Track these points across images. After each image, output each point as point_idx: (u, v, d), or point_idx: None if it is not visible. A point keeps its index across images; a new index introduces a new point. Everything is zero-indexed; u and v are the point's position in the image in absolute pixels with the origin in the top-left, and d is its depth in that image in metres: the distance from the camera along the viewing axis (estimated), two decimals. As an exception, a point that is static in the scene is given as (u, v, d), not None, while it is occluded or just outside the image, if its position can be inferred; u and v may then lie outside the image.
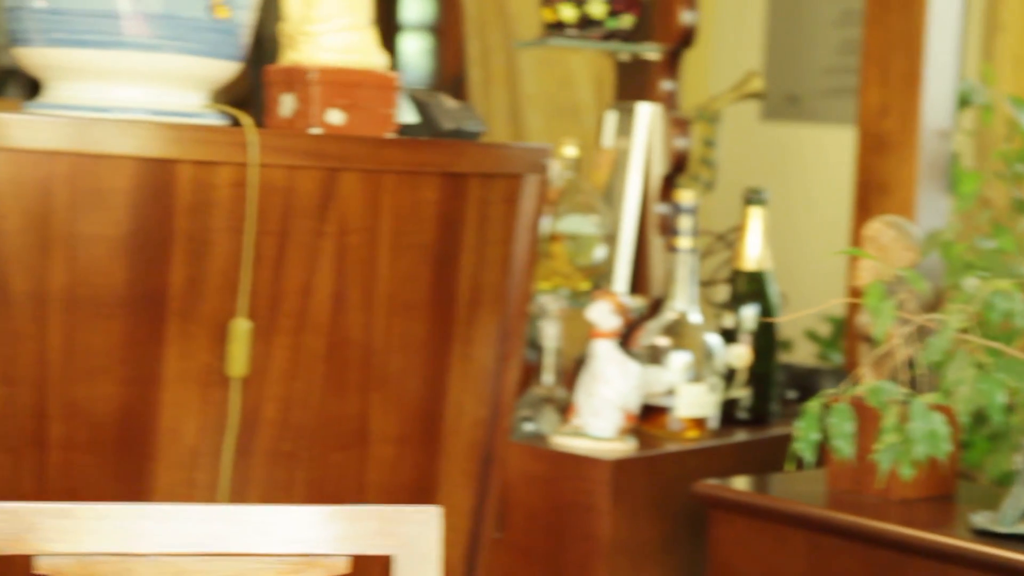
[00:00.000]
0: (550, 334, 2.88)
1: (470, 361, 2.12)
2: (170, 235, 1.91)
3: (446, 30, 5.19)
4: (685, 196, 2.86)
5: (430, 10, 5.53)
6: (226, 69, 2.02)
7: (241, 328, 1.93)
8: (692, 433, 2.82)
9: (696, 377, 2.80)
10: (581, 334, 2.94)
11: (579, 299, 2.97)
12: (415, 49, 5.59)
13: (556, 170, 2.94)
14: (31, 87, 3.54)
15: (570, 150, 2.98)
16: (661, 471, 2.74)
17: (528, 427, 2.84)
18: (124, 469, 1.95)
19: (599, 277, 3.02)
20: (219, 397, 1.96)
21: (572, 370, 2.94)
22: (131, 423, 1.94)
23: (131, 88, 1.98)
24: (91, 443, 1.93)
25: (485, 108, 4.14)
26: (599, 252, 2.99)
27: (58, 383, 1.90)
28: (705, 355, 2.82)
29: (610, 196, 3.06)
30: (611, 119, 3.09)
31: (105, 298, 1.90)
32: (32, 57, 2.01)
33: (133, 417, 1.94)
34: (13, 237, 1.88)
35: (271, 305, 1.97)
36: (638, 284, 3.05)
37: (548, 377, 2.88)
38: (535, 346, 2.92)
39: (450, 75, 5.00)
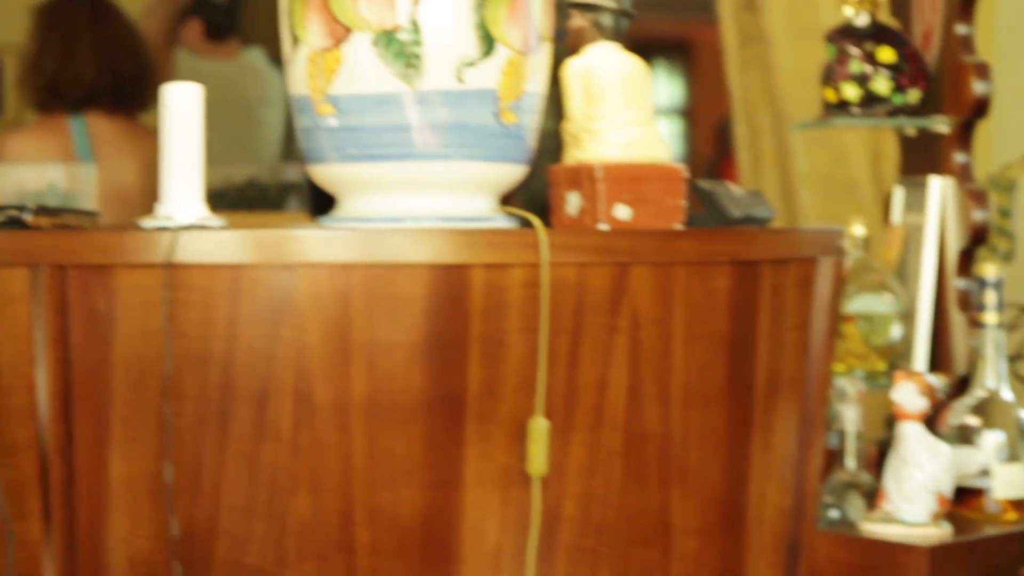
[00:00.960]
0: (850, 417, 2.82)
1: (771, 450, 2.09)
2: (466, 338, 1.94)
3: (696, 114, 5.20)
4: (989, 270, 2.77)
5: (679, 95, 5.55)
6: (514, 173, 2.05)
7: (539, 427, 1.94)
8: (1011, 515, 2.71)
9: (1011, 456, 2.70)
10: (879, 416, 2.87)
11: (876, 380, 2.90)
12: (666, 133, 5.62)
13: (846, 250, 2.89)
14: (313, 201, 3.66)
15: (858, 229, 2.93)
16: (981, 556, 2.63)
17: (833, 514, 2.77)
18: (430, 572, 1.97)
19: (895, 357, 2.95)
20: (520, 496, 1.97)
21: (875, 454, 2.87)
22: (435, 526, 1.96)
23: (422, 197, 2.03)
24: (397, 548, 1.95)
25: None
26: (895, 331, 2.92)
27: (362, 489, 1.94)
28: (1019, 433, 2.72)
29: (902, 273, 3.00)
30: (899, 195, 3.03)
31: (405, 404, 1.93)
32: (326, 173, 2.07)
33: (436, 520, 1.96)
34: (315, 349, 1.93)
35: (567, 402, 1.97)
36: (938, 362, 2.97)
37: (851, 462, 2.81)
38: (835, 431, 2.86)
39: (703, 158, 4.99)
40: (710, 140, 5.56)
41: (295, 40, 2.04)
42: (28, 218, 1.99)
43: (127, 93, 3.75)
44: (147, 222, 1.99)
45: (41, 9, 3.82)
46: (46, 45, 3.76)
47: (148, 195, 3.77)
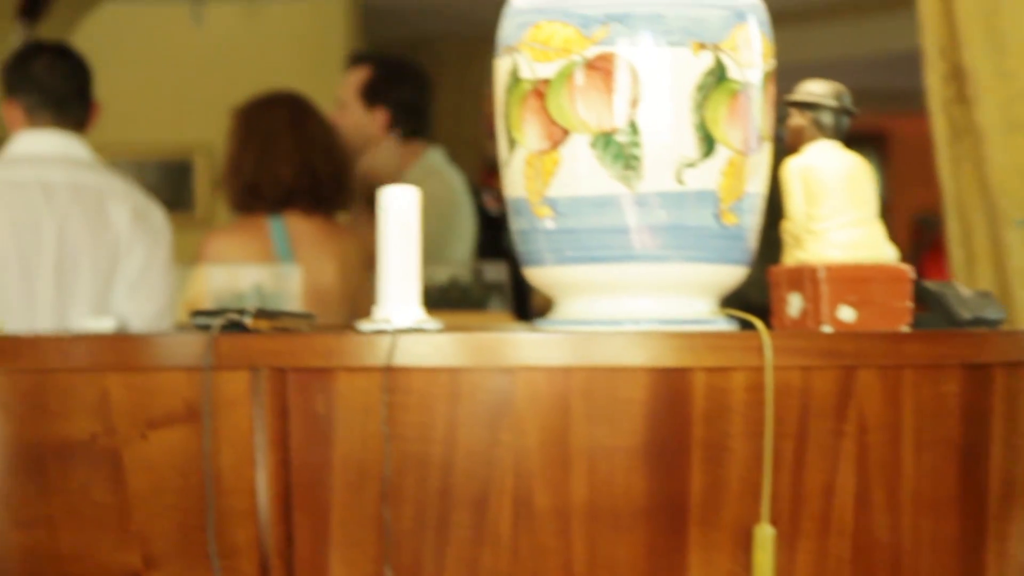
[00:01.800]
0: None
1: (1006, 558, 2.01)
2: (687, 443, 1.90)
3: (893, 208, 5.11)
4: None
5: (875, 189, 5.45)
6: (734, 274, 2.02)
7: (765, 534, 1.89)
8: None
9: None
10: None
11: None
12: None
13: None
14: (516, 301, 3.65)
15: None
16: None
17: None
18: None
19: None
20: (742, 605, 1.92)
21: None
22: (653, 633, 1.92)
23: (641, 299, 2.01)
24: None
25: (970, 287, 4.02)
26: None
27: (582, 595, 1.91)
28: None
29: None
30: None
31: (626, 509, 1.90)
32: (542, 276, 2.06)
33: (655, 627, 1.92)
34: (534, 453, 1.91)
35: (793, 509, 1.92)
36: None
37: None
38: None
39: (902, 254, 4.88)
40: (908, 235, 5.46)
41: (512, 142, 2.04)
42: (248, 321, 2.01)
43: (325, 194, 3.79)
44: (365, 325, 2.00)
45: (241, 111, 3.89)
46: (246, 146, 3.83)
47: (346, 296, 3.80)
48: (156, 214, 3.72)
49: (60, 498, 2.03)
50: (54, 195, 3.59)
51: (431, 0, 8.84)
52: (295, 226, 3.77)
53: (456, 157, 4.66)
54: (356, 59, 4.36)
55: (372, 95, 4.20)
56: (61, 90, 3.70)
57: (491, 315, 3.12)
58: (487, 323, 2.98)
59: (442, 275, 3.51)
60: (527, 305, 3.78)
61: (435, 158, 4.31)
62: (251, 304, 3.28)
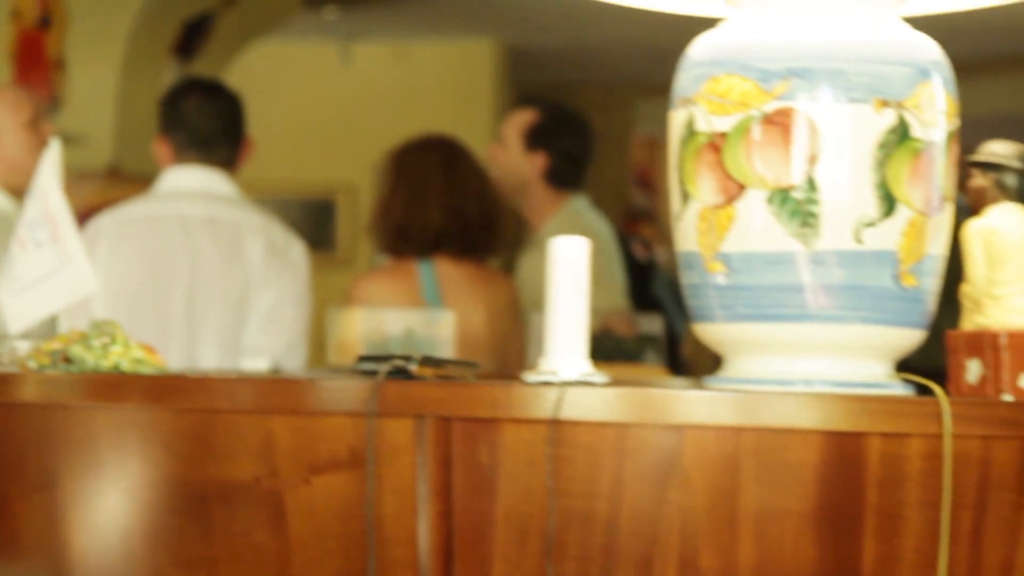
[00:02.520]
0: None
1: None
2: (860, 510, 1.85)
3: None
4: None
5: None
6: (912, 338, 1.97)
7: (941, 608, 1.83)
8: None
9: None
10: None
11: None
12: None
13: None
14: (668, 352, 3.60)
15: None
16: None
17: None
18: None
19: None
20: None
21: None
22: None
23: (814, 360, 1.96)
24: None
25: None
26: None
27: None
28: None
29: None
30: None
31: (795, 575, 1.85)
32: (712, 332, 2.03)
33: None
34: (702, 513, 1.87)
35: (968, 583, 1.86)
36: None
37: None
38: None
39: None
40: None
41: (685, 196, 2.01)
42: (413, 368, 2.00)
43: (475, 239, 3.77)
44: (531, 376, 1.98)
45: (393, 153, 3.89)
46: (396, 190, 3.82)
47: (494, 342, 3.77)
48: (295, 249, 3.73)
49: (222, 540, 2.03)
50: (190, 228, 3.62)
51: (577, 46, 8.84)
52: (444, 271, 3.75)
53: (598, 204, 4.63)
54: (525, 101, 4.36)
55: (535, 139, 4.19)
56: (208, 129, 3.73)
57: (646, 368, 3.08)
58: (643, 377, 2.94)
59: (593, 325, 3.48)
60: (678, 358, 3.74)
61: (581, 204, 4.28)
62: (403, 349, 3.28)
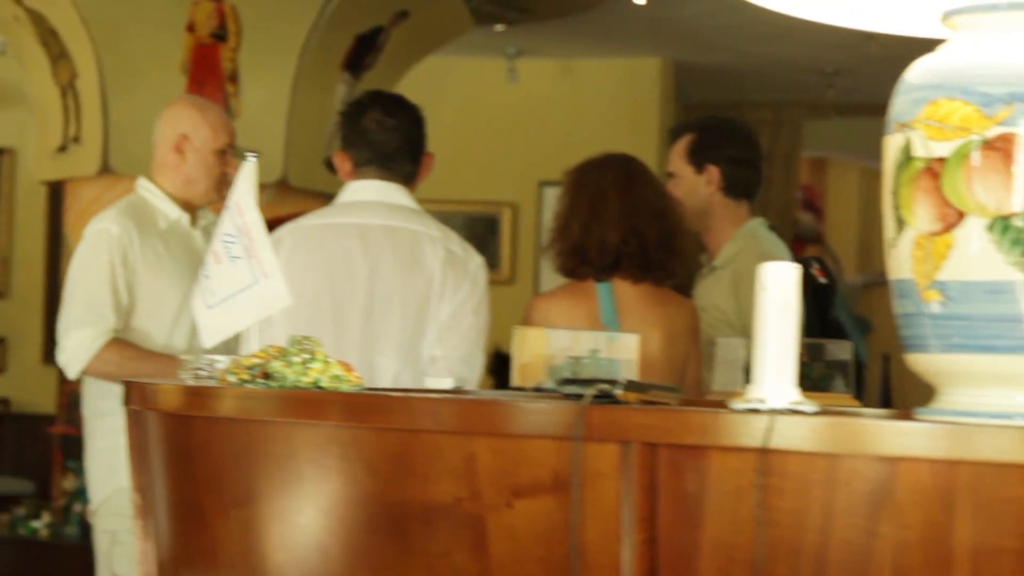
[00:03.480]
0: None
1: None
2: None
3: None
4: None
5: None
6: None
7: None
8: None
9: None
10: None
11: None
12: None
13: None
14: (857, 382, 3.51)
15: None
16: None
17: None
18: None
19: None
20: None
21: None
22: None
23: (1032, 393, 1.90)
24: None
25: None
26: None
27: None
28: None
29: None
30: None
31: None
32: (925, 362, 1.98)
33: None
34: (914, 548, 1.82)
35: None
36: None
37: None
38: None
39: None
40: None
41: (900, 222, 1.96)
42: (618, 393, 1.98)
43: (653, 259, 3.72)
44: (738, 404, 1.94)
45: (571, 172, 3.84)
46: (574, 209, 3.77)
47: (672, 365, 3.72)
48: (472, 260, 3.72)
49: (421, 561, 2.02)
50: (369, 237, 3.62)
51: (744, 64, 8.77)
52: (622, 291, 3.71)
53: (764, 225, 4.56)
54: (676, 130, 4.29)
55: (699, 156, 4.12)
56: (389, 146, 3.71)
57: (835, 396, 3.02)
58: (835, 405, 2.87)
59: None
60: (863, 386, 3.65)
61: (759, 226, 4.20)
62: (588, 371, 3.25)
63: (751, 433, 1.86)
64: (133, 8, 6.32)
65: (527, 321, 3.69)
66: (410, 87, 6.93)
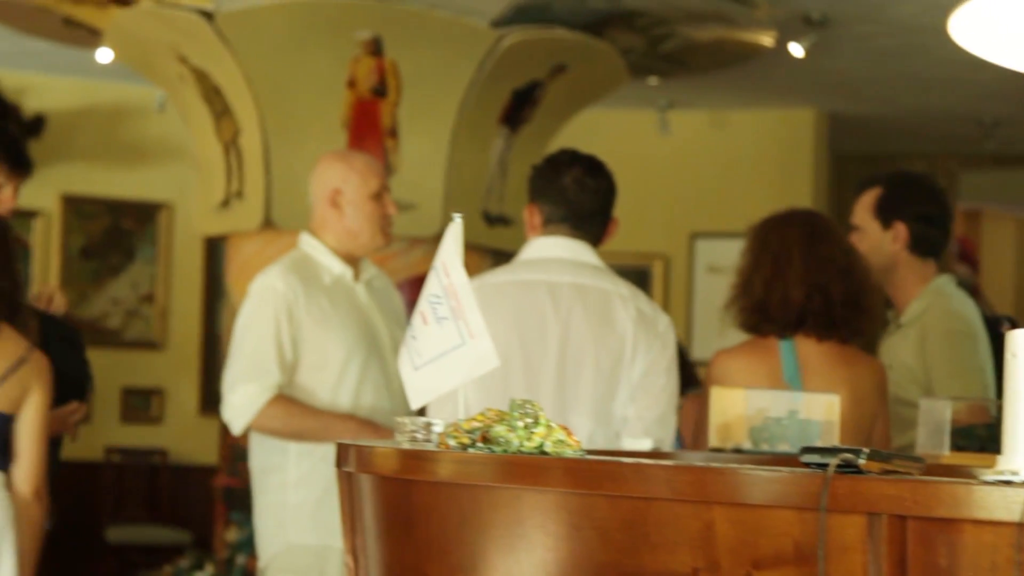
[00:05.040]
0: None
1: None
2: None
3: None
4: None
5: None
6: None
7: None
8: None
9: None
10: None
11: None
12: None
13: None
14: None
15: None
16: None
17: None
18: None
19: None
20: None
21: None
22: None
23: None
24: None
25: None
26: None
27: None
28: None
29: None
30: None
31: None
32: None
33: None
34: None
35: None
36: None
37: None
38: None
39: None
40: None
41: None
42: (862, 462, 1.93)
43: (838, 317, 3.65)
44: (988, 475, 1.89)
45: (755, 228, 3.80)
46: (757, 265, 3.72)
47: (858, 425, 3.64)
48: (661, 320, 3.67)
49: (660, 631, 1.98)
50: (560, 295, 3.58)
51: (899, 115, 8.67)
52: (805, 349, 3.64)
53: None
54: (865, 182, 4.22)
55: (887, 212, 4.05)
56: (586, 206, 3.68)
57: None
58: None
59: (961, 413, 3.30)
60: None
61: (946, 283, 4.12)
62: (788, 432, 3.20)
63: (1008, 507, 1.80)
64: (295, 65, 6.40)
65: (710, 376, 3.65)
66: (563, 139, 6.94)
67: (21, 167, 4.05)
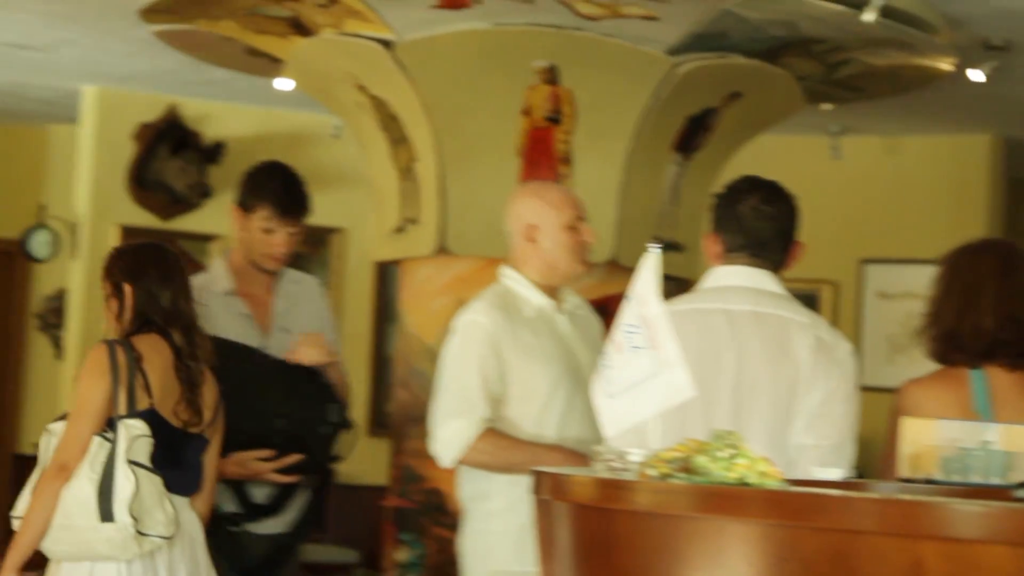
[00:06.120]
0: None
1: None
2: None
3: None
4: None
5: None
6: None
7: None
8: None
9: None
10: None
11: None
12: None
13: None
14: None
15: None
16: None
17: None
18: None
19: None
20: None
21: None
22: None
23: None
24: None
25: None
26: None
27: None
28: None
29: None
30: None
31: None
32: None
33: None
34: None
35: None
36: None
37: None
38: None
39: None
40: None
41: None
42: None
43: (1031, 348, 3.60)
44: None
45: (947, 257, 3.76)
46: (948, 294, 3.68)
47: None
48: (841, 347, 3.64)
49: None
50: (736, 323, 3.57)
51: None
52: (997, 380, 3.59)
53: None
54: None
55: None
56: (764, 233, 3.67)
57: None
58: None
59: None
60: None
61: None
62: (981, 463, 3.15)
63: None
64: (472, 93, 6.47)
65: (899, 406, 3.61)
66: (735, 165, 6.92)
67: (291, 212, 4.19)
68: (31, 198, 9.58)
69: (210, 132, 8.87)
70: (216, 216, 8.74)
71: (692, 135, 6.78)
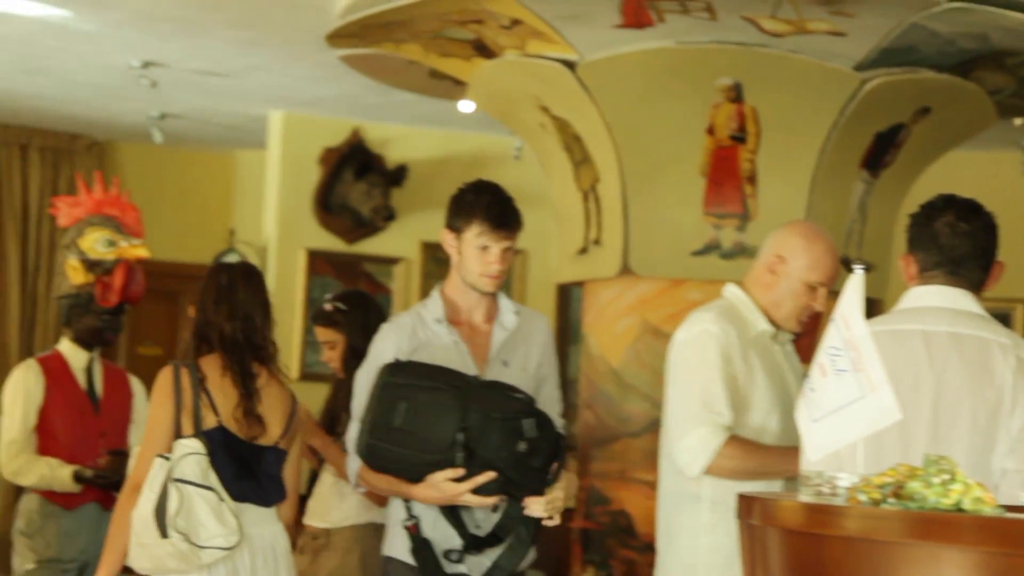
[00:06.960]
0: None
1: None
2: None
3: None
4: None
5: None
6: None
7: None
8: None
9: None
10: None
11: None
12: None
13: None
14: None
15: None
16: None
17: None
18: None
19: None
20: None
21: None
22: None
23: None
24: None
25: None
26: None
27: None
28: None
29: None
30: None
31: None
32: None
33: None
34: None
35: None
36: None
37: None
38: None
39: None
40: None
41: None
42: None
43: None
44: None
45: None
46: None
47: None
48: None
49: None
50: (934, 344, 3.48)
51: None
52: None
53: None
54: None
55: None
56: (959, 251, 3.58)
57: None
58: None
59: None
60: None
61: None
62: None
63: None
64: (656, 113, 6.45)
65: None
66: (923, 182, 6.79)
67: (503, 225, 4.21)
68: (221, 223, 9.78)
69: (393, 155, 8.97)
70: (400, 239, 8.85)
71: (880, 152, 6.67)
